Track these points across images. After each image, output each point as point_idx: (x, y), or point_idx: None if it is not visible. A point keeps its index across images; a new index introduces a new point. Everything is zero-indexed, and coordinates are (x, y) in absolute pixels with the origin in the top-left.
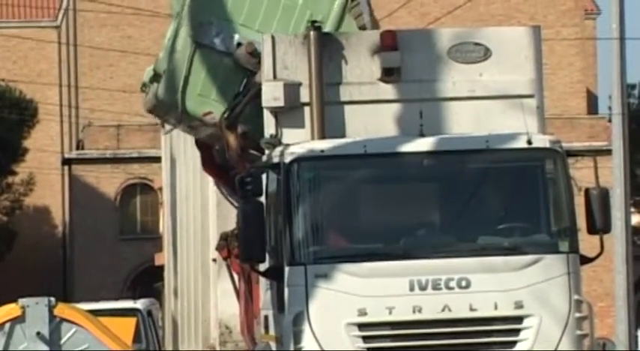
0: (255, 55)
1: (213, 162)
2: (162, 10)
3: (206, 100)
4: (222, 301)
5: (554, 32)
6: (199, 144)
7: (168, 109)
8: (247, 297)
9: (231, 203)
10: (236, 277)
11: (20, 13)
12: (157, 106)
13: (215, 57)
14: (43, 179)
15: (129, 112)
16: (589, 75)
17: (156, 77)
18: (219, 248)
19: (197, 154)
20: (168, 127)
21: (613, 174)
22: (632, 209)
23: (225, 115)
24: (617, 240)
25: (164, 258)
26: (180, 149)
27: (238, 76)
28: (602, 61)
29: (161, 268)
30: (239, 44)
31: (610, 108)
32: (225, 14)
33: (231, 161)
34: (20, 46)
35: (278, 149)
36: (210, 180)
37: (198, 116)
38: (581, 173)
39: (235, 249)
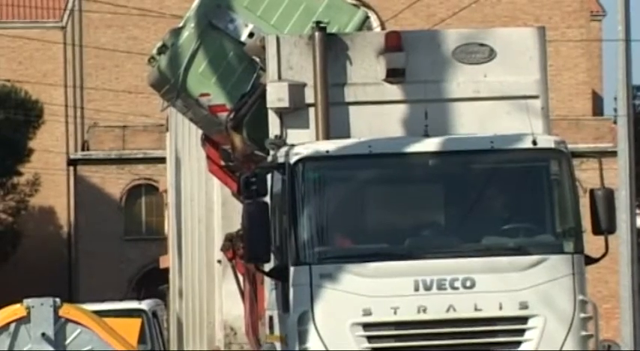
0: (262, 48)
1: (219, 163)
2: (167, 11)
3: (206, 82)
4: (227, 302)
5: (559, 33)
6: (206, 143)
7: (168, 82)
8: (252, 298)
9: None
10: (241, 278)
11: (26, 13)
12: (158, 78)
13: (225, 42)
14: (49, 180)
15: (134, 113)
16: (594, 76)
17: (163, 48)
18: (224, 249)
19: (202, 155)
20: (164, 103)
21: (618, 176)
22: (638, 211)
23: (231, 116)
24: (622, 242)
25: (169, 260)
26: (185, 150)
27: (244, 66)
28: (608, 63)
29: (166, 270)
30: (251, 35)
31: (615, 109)
32: (245, 2)
33: (237, 162)
34: (26, 46)
35: (283, 150)
36: (215, 181)
37: (195, 96)
38: (587, 175)
39: (240, 250)
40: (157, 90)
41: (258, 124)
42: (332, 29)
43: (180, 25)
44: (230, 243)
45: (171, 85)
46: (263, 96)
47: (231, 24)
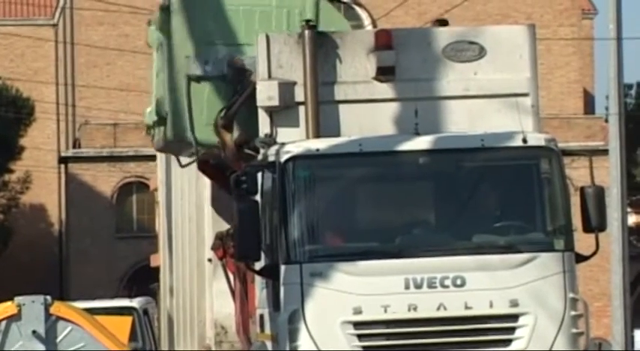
0: (241, 71)
1: (209, 161)
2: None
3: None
4: (217, 301)
5: (551, 32)
6: None
7: (182, 146)
8: (242, 296)
9: None
10: (231, 276)
11: (17, 11)
12: (169, 146)
13: (210, 84)
14: (40, 177)
15: (125, 111)
16: (586, 75)
17: (160, 121)
18: (214, 248)
19: None
20: (184, 160)
21: (610, 174)
22: (629, 209)
23: (221, 115)
24: (613, 240)
25: (159, 259)
26: None
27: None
28: (599, 61)
29: (157, 269)
30: (229, 64)
31: (607, 108)
32: (208, 40)
33: (227, 160)
34: (17, 44)
35: (273, 148)
36: (206, 179)
37: (214, 143)
38: (578, 173)
39: (231, 248)
40: (171, 153)
41: (249, 122)
42: (293, 19)
43: (159, 84)
44: (220, 242)
45: (184, 147)
46: (253, 95)
47: (207, 66)
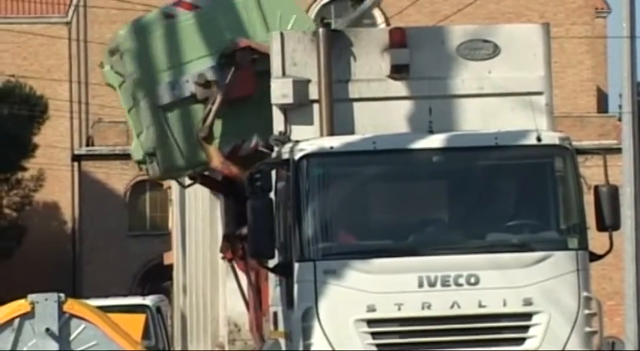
0: (207, 84)
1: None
2: None
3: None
4: (230, 299)
5: (563, 30)
6: None
7: (178, 173)
8: (255, 295)
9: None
10: (242, 275)
11: (31, 8)
12: (166, 175)
13: (184, 107)
14: (53, 175)
15: None
16: (599, 73)
17: (150, 155)
18: (222, 250)
19: None
20: (187, 181)
21: (623, 172)
22: None
23: (200, 127)
24: (626, 238)
25: (173, 257)
26: None
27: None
28: (613, 60)
29: (170, 266)
30: (195, 82)
31: (620, 106)
32: (166, 66)
33: (216, 171)
34: (30, 42)
35: (287, 146)
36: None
37: (206, 163)
38: (591, 172)
39: (239, 250)
40: (170, 179)
41: (225, 124)
42: (234, 15)
43: (135, 122)
44: (228, 244)
45: (182, 173)
46: (223, 102)
47: (175, 91)
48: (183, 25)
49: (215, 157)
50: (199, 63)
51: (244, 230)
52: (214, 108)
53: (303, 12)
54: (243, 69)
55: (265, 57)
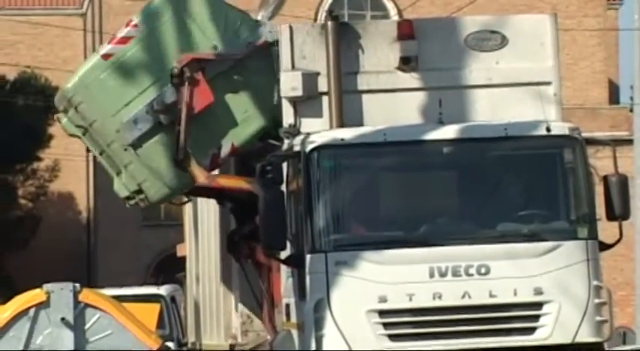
0: (167, 108)
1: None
2: None
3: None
4: (243, 291)
5: (575, 22)
6: None
7: (169, 199)
8: (265, 290)
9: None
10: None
11: (46, 0)
12: (157, 204)
13: (152, 138)
14: (68, 166)
15: None
16: (611, 65)
17: (137, 192)
18: (229, 250)
19: None
20: (184, 198)
21: (634, 164)
22: None
23: (175, 152)
24: (638, 229)
25: (186, 249)
26: None
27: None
28: (624, 52)
29: (183, 258)
30: (155, 111)
31: (632, 98)
32: (122, 103)
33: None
34: (46, 33)
35: (298, 138)
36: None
37: (200, 178)
38: (603, 163)
39: (245, 249)
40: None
41: (197, 138)
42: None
43: (114, 165)
44: (234, 245)
45: (170, 199)
46: (187, 120)
47: (139, 124)
48: (125, 59)
49: (199, 175)
50: (152, 90)
51: (246, 229)
52: (182, 128)
53: (241, 14)
54: (196, 82)
55: (212, 62)
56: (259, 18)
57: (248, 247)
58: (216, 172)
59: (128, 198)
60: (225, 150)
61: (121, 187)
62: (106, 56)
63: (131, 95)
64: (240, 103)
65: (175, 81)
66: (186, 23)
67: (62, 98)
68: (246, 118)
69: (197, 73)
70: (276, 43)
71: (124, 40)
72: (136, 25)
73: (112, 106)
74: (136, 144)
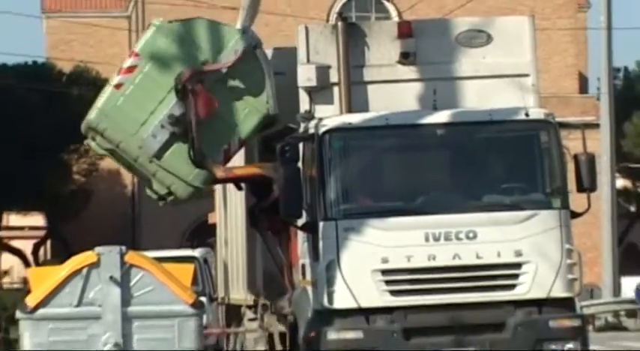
0: (178, 120)
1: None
2: (217, 2)
3: (200, 173)
4: (264, 254)
5: (550, 23)
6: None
7: (197, 192)
8: (284, 254)
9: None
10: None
11: (97, 4)
12: (188, 198)
13: (171, 147)
14: None
15: None
16: (581, 59)
17: (168, 194)
18: (251, 224)
19: None
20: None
21: (601, 144)
22: (617, 175)
23: (192, 155)
24: (603, 201)
25: (216, 217)
26: None
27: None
28: (592, 48)
29: (214, 226)
30: (169, 123)
31: (599, 88)
32: (141, 121)
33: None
34: (97, 33)
35: (312, 122)
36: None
37: (218, 173)
38: (573, 144)
39: (265, 222)
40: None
41: (209, 139)
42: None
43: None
44: (255, 218)
45: (198, 194)
46: (197, 124)
47: (156, 138)
48: (134, 85)
49: (216, 170)
50: (163, 106)
51: (264, 204)
52: (195, 134)
53: (228, 28)
54: (198, 93)
55: (208, 74)
56: (240, 26)
57: (267, 219)
58: (234, 162)
59: (161, 199)
60: (234, 145)
61: (153, 192)
62: (118, 86)
63: (145, 115)
64: (239, 103)
65: (180, 96)
66: (180, 45)
67: (88, 128)
68: (246, 114)
69: (197, 85)
70: (258, 45)
71: (130, 69)
72: (137, 55)
73: (132, 127)
74: (158, 155)
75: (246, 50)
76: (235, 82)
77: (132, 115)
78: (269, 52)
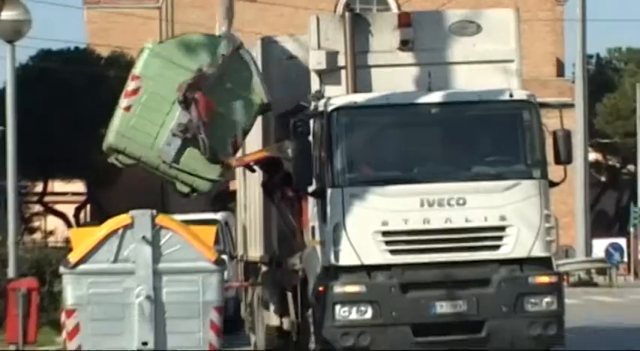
0: (186, 128)
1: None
2: None
3: (212, 167)
4: (279, 219)
5: (532, 15)
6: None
7: (217, 183)
8: (295, 218)
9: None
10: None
11: None
12: (210, 190)
13: (185, 150)
14: None
15: None
16: (558, 47)
17: (192, 191)
18: (266, 196)
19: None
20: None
21: (576, 122)
22: (590, 149)
23: (205, 153)
24: (577, 172)
25: (237, 185)
26: None
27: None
28: (568, 37)
29: (234, 192)
30: (181, 131)
31: (574, 73)
32: (155, 134)
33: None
34: (131, 22)
35: (322, 101)
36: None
37: (232, 163)
38: (552, 121)
39: (278, 193)
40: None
41: (216, 136)
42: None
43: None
44: (269, 191)
45: (218, 184)
46: (204, 126)
47: (172, 145)
48: (142, 105)
49: (230, 161)
50: (171, 117)
51: (276, 179)
52: (203, 136)
53: (219, 39)
54: (198, 100)
55: (203, 81)
56: (221, 33)
57: (280, 191)
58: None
59: (187, 195)
60: (239, 135)
61: (178, 191)
62: (127, 108)
63: (157, 128)
64: (235, 99)
65: (183, 105)
66: (173, 61)
67: (110, 149)
68: (243, 107)
69: (196, 93)
70: (241, 46)
71: (135, 91)
72: (138, 77)
73: (148, 141)
74: (176, 160)
75: (232, 52)
76: (228, 82)
77: (145, 130)
78: (285, 39)
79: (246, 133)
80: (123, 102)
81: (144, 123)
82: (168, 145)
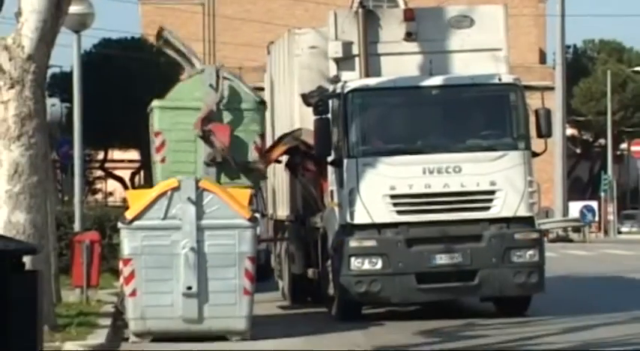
0: (214, 157)
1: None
2: None
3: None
4: (302, 187)
5: (518, 11)
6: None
7: (258, 184)
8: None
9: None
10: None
11: None
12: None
13: (223, 172)
14: None
15: (247, 59)
16: (541, 38)
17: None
18: (291, 172)
19: (288, 87)
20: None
21: (555, 103)
22: (567, 125)
23: (239, 169)
24: (556, 144)
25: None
26: (278, 82)
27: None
28: (550, 30)
29: None
30: (208, 164)
31: (554, 60)
32: (191, 170)
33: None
34: (179, 16)
35: (339, 85)
36: (296, 103)
37: (263, 167)
38: (534, 102)
39: (300, 168)
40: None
41: (240, 149)
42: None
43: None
44: (292, 169)
45: (258, 183)
46: (227, 148)
47: (210, 168)
48: (173, 152)
49: (260, 165)
50: (199, 152)
51: (297, 160)
52: (230, 156)
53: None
54: (214, 130)
55: (210, 113)
56: (198, 67)
57: (302, 167)
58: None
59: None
60: (258, 140)
61: (214, 175)
62: (162, 160)
63: (193, 165)
64: (239, 113)
65: (204, 140)
66: (180, 107)
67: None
68: (248, 116)
69: (208, 125)
70: (219, 67)
71: (162, 145)
72: (159, 132)
73: (189, 174)
74: (219, 180)
75: (216, 80)
76: (229, 104)
77: (184, 171)
78: (308, 31)
79: (262, 136)
80: (156, 157)
81: (180, 166)
82: (206, 174)
